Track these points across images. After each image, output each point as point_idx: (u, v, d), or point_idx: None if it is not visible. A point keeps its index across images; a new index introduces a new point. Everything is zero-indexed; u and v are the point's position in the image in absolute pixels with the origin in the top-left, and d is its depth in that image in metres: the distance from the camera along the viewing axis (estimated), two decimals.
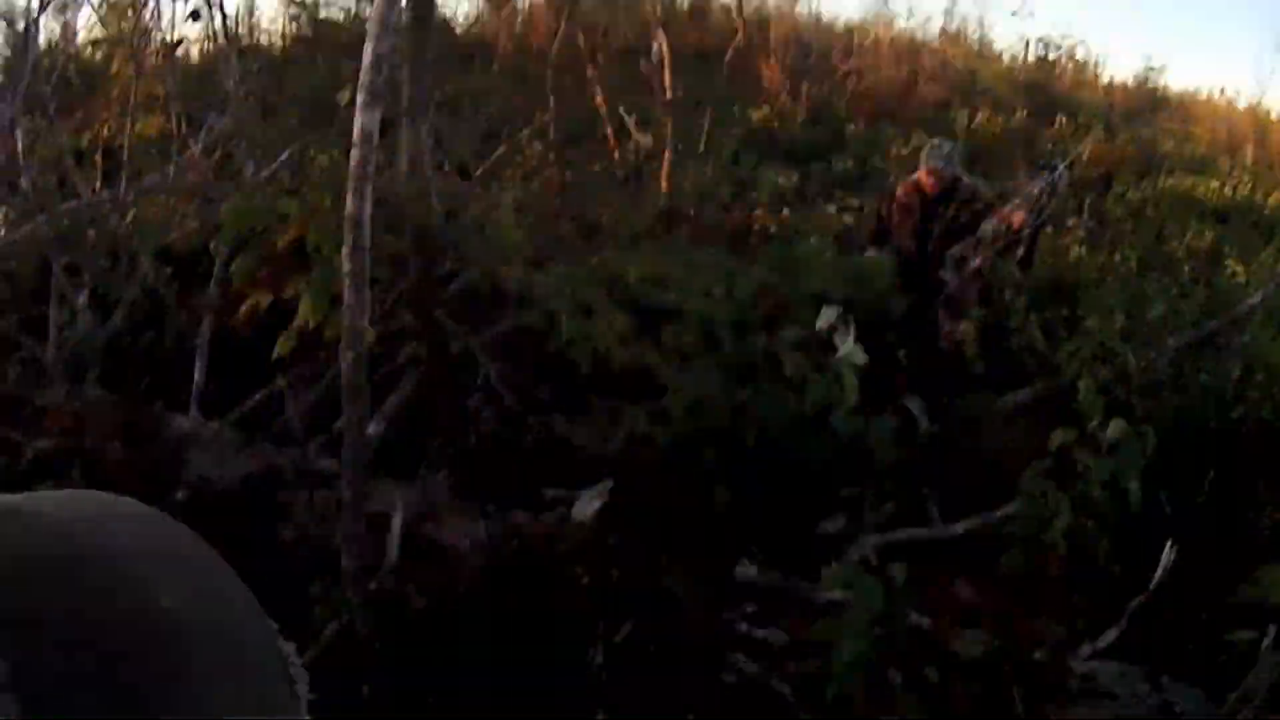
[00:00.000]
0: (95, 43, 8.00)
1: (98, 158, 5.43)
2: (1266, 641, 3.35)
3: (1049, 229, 6.59)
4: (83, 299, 4.60)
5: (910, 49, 15.23)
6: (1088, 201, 8.63)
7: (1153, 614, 3.72)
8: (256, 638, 0.50)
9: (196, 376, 4.48)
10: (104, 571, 0.45)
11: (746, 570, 3.42)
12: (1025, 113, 13.56)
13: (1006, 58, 17.20)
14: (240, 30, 10.45)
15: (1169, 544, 3.79)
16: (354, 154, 2.96)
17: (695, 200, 7.69)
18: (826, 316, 4.32)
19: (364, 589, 3.09)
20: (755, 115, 11.58)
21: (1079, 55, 17.23)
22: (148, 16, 5.66)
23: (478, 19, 14.33)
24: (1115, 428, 4.01)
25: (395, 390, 4.52)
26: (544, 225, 5.67)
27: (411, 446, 4.41)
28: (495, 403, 4.48)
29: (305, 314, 3.95)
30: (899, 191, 5.88)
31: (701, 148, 7.76)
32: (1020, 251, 5.55)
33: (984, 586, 3.91)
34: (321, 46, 10.32)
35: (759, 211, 7.78)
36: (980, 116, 12.88)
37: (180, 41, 6.30)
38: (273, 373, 4.36)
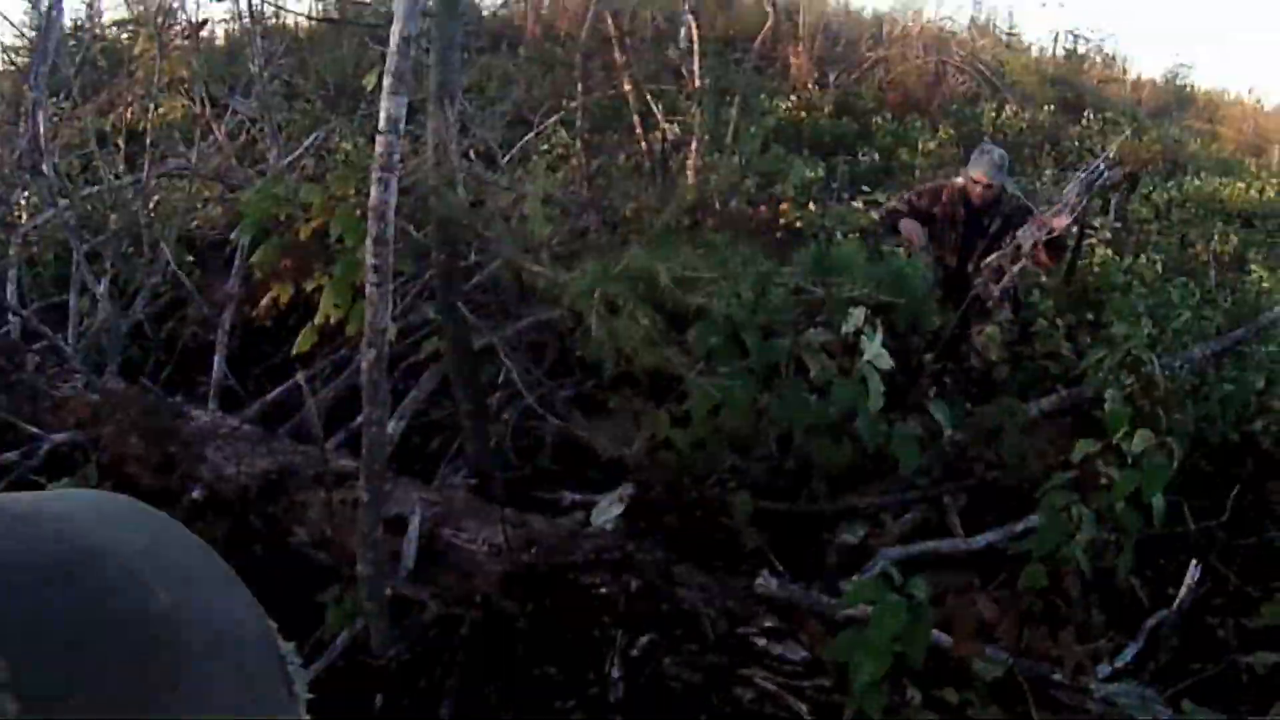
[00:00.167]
0: (120, 23, 7.97)
1: (120, 141, 5.40)
2: None
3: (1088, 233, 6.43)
4: (103, 287, 4.57)
5: (939, 40, 15.10)
6: (1113, 201, 8.48)
7: (1172, 633, 3.68)
8: (255, 638, 0.51)
9: (215, 369, 4.46)
10: (103, 571, 0.46)
11: (767, 584, 3.38)
12: (1052, 108, 13.41)
13: (1035, 50, 17.09)
14: (265, 10, 10.38)
15: (1194, 563, 3.75)
16: (379, 142, 2.89)
17: (723, 192, 7.61)
18: (854, 319, 4.26)
19: (379, 596, 3.06)
20: (782, 105, 11.49)
21: (1108, 49, 17.12)
22: None
23: (505, 2, 14.26)
24: (1141, 439, 3.93)
25: (415, 387, 4.49)
26: (571, 217, 5.60)
27: (430, 444, 4.39)
28: (516, 401, 4.44)
29: (326, 309, 3.91)
30: (943, 196, 5.53)
31: (729, 138, 7.67)
32: (1066, 258, 5.35)
33: (1004, 602, 3.87)
34: (347, 28, 10.27)
35: (785, 205, 7.70)
36: (1007, 111, 12.76)
37: (205, 22, 6.26)
38: (292, 365, 4.33)
